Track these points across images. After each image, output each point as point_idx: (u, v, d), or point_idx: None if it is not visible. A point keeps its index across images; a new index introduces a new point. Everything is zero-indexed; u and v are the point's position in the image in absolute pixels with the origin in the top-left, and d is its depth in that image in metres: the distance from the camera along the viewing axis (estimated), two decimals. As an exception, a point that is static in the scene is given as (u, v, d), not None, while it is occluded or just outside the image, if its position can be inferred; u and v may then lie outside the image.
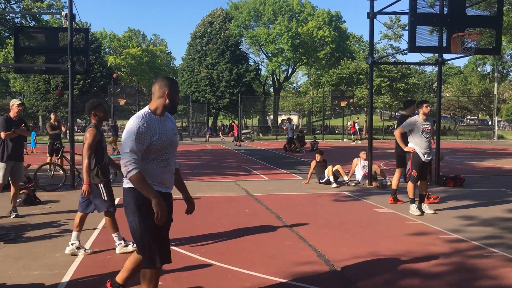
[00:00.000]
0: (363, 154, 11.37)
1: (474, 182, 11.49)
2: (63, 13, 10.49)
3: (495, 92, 45.29)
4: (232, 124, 39.56)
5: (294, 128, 26.62)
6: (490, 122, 56.83)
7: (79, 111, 39.42)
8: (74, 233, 5.39)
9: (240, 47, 54.90)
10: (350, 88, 43.31)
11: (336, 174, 11.06)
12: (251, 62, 56.66)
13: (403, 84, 45.90)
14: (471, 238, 5.99)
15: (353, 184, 11.06)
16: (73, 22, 10.54)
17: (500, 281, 4.43)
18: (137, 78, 53.51)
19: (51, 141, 12.58)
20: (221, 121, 60.61)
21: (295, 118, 70.68)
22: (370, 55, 11.23)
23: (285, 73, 60.32)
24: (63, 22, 10.58)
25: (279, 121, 59.32)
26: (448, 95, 66.56)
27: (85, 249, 5.41)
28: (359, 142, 32.80)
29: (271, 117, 63.11)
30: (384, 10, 11.30)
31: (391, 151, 22.92)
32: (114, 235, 5.44)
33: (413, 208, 7.57)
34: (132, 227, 3.37)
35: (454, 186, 10.75)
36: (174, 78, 68.17)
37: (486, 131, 47.62)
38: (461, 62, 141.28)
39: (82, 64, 11.66)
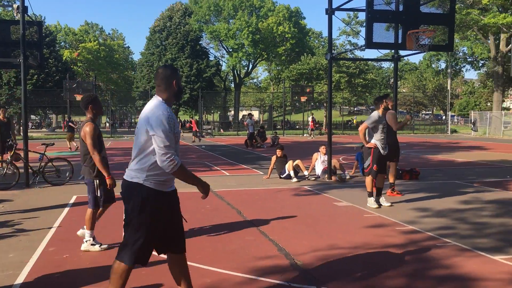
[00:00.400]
0: (322, 149, 11.53)
1: (428, 175, 11.86)
2: (15, 5, 10.10)
3: (449, 88, 46.89)
4: (191, 119, 39.26)
5: (255, 124, 26.71)
6: (444, 117, 58.80)
7: (33, 107, 38.05)
8: (87, 231, 5.28)
9: (200, 42, 54.48)
10: (310, 84, 43.83)
11: (296, 169, 11.17)
12: (211, 58, 56.39)
13: (361, 80, 46.82)
14: (426, 229, 6.19)
15: (313, 178, 11.20)
16: (26, 15, 10.16)
17: (453, 270, 4.59)
18: (94, 73, 52.20)
19: (1, 139, 12.13)
20: (178, 117, 60.03)
21: (256, 114, 70.87)
22: (329, 51, 11.37)
23: (246, 68, 60.34)
24: (15, 15, 10.19)
25: (240, 117, 59.37)
26: (404, 90, 68.39)
27: (101, 244, 5.29)
28: (313, 137, 33.13)
29: (232, 112, 63.03)
30: (342, 7, 11.47)
31: (350, 146, 23.38)
32: (87, 232, 5.29)
33: (371, 201, 7.74)
34: (129, 219, 3.29)
35: (410, 179, 11.08)
36: (133, 73, 67.08)
37: (440, 125, 49.29)
38: (416, 58, 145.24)
39: (35, 58, 11.27)
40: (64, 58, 52.93)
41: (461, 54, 54.32)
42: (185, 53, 50.35)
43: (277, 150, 11.77)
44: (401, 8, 10.02)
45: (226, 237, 5.86)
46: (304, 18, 58.17)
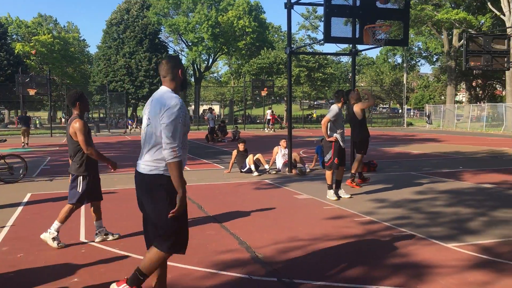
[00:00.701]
0: (283, 143, 11.61)
1: (386, 167, 12.16)
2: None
3: (405, 82, 48.15)
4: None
5: (216, 118, 26.59)
6: (400, 110, 60.38)
7: (-17, 102, 36.43)
8: (57, 222, 5.19)
9: (159, 35, 53.72)
10: (270, 78, 44.01)
11: (257, 163, 11.21)
12: (171, 51, 55.68)
13: (321, 74, 47.37)
14: (383, 220, 6.35)
15: (274, 172, 11.27)
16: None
17: (408, 258, 4.74)
18: (48, 67, 50.51)
19: None
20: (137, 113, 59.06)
21: (216, 108, 70.59)
22: (288, 45, 11.44)
23: (206, 62, 59.96)
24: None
25: (201, 111, 58.96)
26: (362, 84, 69.69)
27: (59, 242, 5.18)
28: (274, 131, 33.31)
29: (193, 107, 62.52)
30: (300, 1, 11.55)
31: (310, 139, 23.67)
32: (56, 223, 5.17)
33: (331, 194, 7.87)
34: (158, 213, 3.30)
35: (368, 171, 11.32)
36: (90, 67, 65.34)
37: (397, 118, 50.61)
38: (374, 53, 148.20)
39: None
40: (16, 51, 51.00)
41: (416, 49, 55.89)
42: (143, 47, 49.52)
43: (239, 144, 11.77)
44: (358, 3, 10.20)
45: (186, 232, 5.82)
46: (264, 12, 58.31)
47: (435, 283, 4.03)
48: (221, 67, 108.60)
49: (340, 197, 7.92)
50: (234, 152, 11.60)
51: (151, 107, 3.35)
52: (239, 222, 6.30)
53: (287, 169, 11.31)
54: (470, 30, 31.34)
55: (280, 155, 11.57)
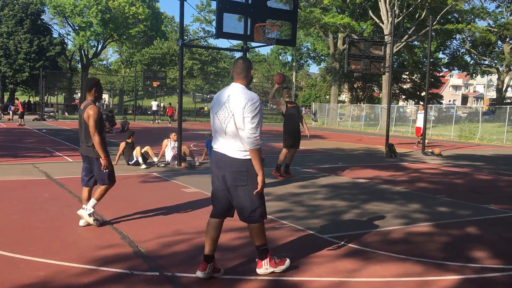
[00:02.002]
0: (173, 136, 11.49)
1: (272, 162, 12.57)
2: None
3: (294, 80, 50.15)
4: (17, 101, 35.64)
5: (104, 108, 25.43)
6: (289, 107, 62.71)
7: None
8: (93, 199, 5.52)
9: (42, 16, 49.87)
10: (163, 69, 43.21)
11: (145, 155, 10.98)
12: (55, 35, 52.07)
13: (214, 68, 47.57)
14: (267, 212, 6.57)
15: (163, 165, 11.12)
16: None
17: (287, 249, 4.98)
18: None
19: None
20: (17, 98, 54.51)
21: (106, 97, 67.54)
22: (180, 37, 11.32)
23: (94, 49, 57.01)
24: None
25: (88, 100, 55.91)
26: (254, 81, 71.25)
27: (96, 219, 5.53)
28: (158, 122, 32.92)
29: (79, 95, 59.15)
30: (194, -6, 11.47)
31: (201, 132, 23.69)
32: (92, 200, 5.51)
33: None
34: (249, 191, 3.94)
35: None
36: None
37: (286, 115, 52.49)
38: (266, 50, 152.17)
39: None
40: None
41: (305, 49, 58.46)
42: (24, 28, 45.72)
43: (127, 136, 11.42)
44: (250, 1, 10.41)
45: (64, 227, 5.53)
46: (158, 1, 57.00)
47: (310, 272, 4.29)
48: (111, 54, 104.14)
49: None
50: (122, 144, 11.24)
51: (232, 101, 3.85)
52: (122, 216, 6.13)
53: (176, 162, 11.22)
54: (353, 35, 33.58)
55: (169, 147, 11.44)
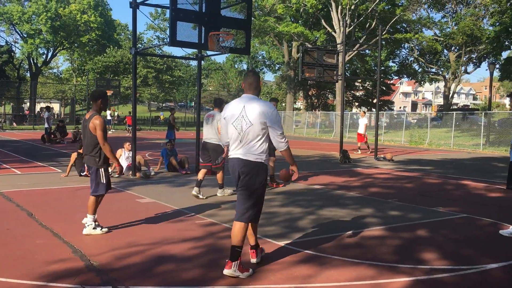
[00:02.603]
0: (127, 145, 11.29)
1: (227, 169, 12.57)
2: None
3: (250, 88, 50.31)
4: None
5: (55, 117, 24.67)
6: (245, 115, 62.91)
7: None
8: (90, 215, 5.75)
9: (-12, 23, 47.95)
10: (116, 77, 42.41)
11: (98, 166, 10.71)
12: (2, 42, 50.13)
13: (169, 76, 47.14)
14: (223, 221, 6.57)
15: (117, 175, 10.88)
16: None
17: (244, 257, 4.95)
18: None
19: None
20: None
21: (56, 106, 65.43)
22: (133, 45, 11.17)
23: (44, 57, 55.23)
24: None
25: (37, 109, 54.11)
26: (210, 88, 71.18)
27: (102, 227, 5.79)
28: (113, 131, 32.38)
29: (28, 104, 57.04)
30: (146, 2, 11.38)
31: (157, 142, 23.37)
32: (89, 216, 5.74)
33: (227, 192, 8.70)
34: (257, 189, 4.44)
35: (212, 174, 11.56)
36: None
37: (242, 123, 52.60)
38: (221, 58, 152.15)
39: None
40: None
41: (260, 57, 58.90)
42: (-33, 35, 43.71)
43: (79, 147, 11.11)
44: (204, 9, 10.42)
45: (12, 242, 5.31)
46: (111, 9, 55.94)
47: (267, 280, 4.31)
48: (62, 63, 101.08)
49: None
50: (74, 155, 10.93)
51: (250, 112, 4.34)
52: (74, 229, 5.95)
53: (130, 172, 11.01)
54: (307, 43, 34.15)
55: (123, 157, 11.22)
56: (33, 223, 6.26)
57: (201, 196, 8.37)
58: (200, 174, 8.56)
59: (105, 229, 5.81)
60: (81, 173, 10.67)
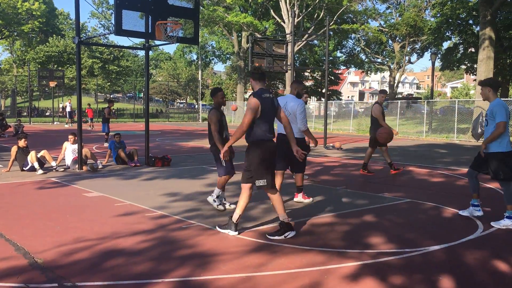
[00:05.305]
0: (71, 138, 10.92)
1: (180, 161, 12.47)
2: None
3: (199, 78, 49.95)
4: None
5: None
6: (196, 106, 62.49)
7: None
8: (217, 189, 6.85)
9: None
10: (60, 68, 40.83)
11: (42, 160, 10.32)
12: None
13: (116, 67, 45.91)
14: (174, 213, 6.51)
15: (62, 169, 10.53)
16: None
17: (196, 248, 4.95)
18: None
19: None
20: None
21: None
22: (77, 34, 10.77)
23: (-19, 46, 52.35)
24: None
25: (-25, 102, 51.30)
26: (160, 79, 69.96)
27: (224, 204, 6.91)
28: (71, 125, 31.26)
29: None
30: (90, -11, 10.97)
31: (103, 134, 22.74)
32: (216, 189, 6.85)
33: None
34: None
35: (162, 166, 11.44)
36: None
37: (193, 113, 52.24)
38: (171, 48, 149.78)
39: None
40: None
41: (210, 47, 58.38)
42: None
43: (19, 140, 10.64)
44: (150, -2, 10.18)
45: (-51, 242, 5.03)
46: (53, -4, 53.68)
47: (218, 270, 4.31)
48: (1, 52, 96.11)
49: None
50: (14, 149, 10.46)
51: (290, 103, 7.04)
52: (17, 226, 5.71)
53: (77, 166, 10.68)
54: (256, 33, 34.16)
55: (69, 150, 10.86)
56: (-29, 221, 5.95)
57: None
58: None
59: (228, 206, 6.91)
60: (24, 168, 10.24)
